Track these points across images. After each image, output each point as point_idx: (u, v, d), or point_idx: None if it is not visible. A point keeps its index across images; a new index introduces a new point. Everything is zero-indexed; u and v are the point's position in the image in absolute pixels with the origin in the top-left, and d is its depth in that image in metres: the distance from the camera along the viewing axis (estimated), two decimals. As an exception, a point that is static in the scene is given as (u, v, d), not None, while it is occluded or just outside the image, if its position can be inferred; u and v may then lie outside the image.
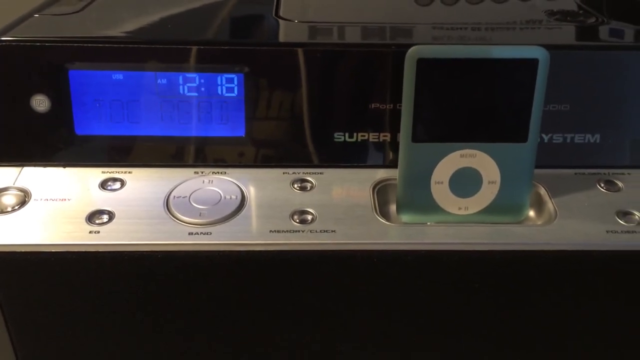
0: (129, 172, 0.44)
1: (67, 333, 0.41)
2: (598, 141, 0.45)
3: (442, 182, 0.42)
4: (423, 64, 0.38)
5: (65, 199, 0.42)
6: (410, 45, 0.39)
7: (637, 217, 0.41)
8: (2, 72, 0.42)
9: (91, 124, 0.43)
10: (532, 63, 0.38)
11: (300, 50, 0.43)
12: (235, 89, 0.43)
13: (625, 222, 0.41)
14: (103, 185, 0.43)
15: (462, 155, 0.41)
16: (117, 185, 0.43)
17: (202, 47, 0.43)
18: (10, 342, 0.42)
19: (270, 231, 0.40)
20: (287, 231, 0.40)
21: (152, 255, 0.39)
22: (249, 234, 0.40)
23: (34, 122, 0.43)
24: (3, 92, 0.42)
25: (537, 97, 0.39)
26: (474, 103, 0.40)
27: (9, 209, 0.41)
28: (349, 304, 0.41)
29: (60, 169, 0.44)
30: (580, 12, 0.52)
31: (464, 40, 0.47)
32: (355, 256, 0.39)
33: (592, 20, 0.50)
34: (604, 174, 0.45)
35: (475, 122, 0.40)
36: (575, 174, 0.45)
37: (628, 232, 0.40)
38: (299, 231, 0.40)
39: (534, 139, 0.40)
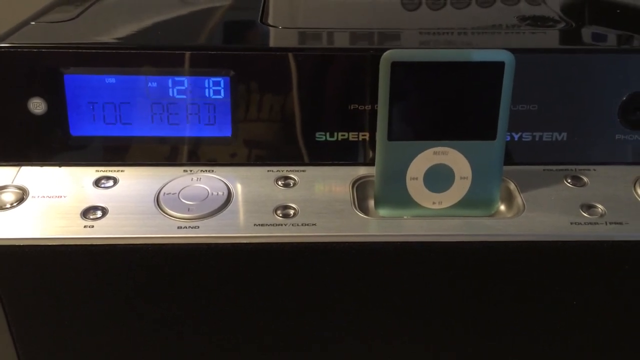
0: (122, 171, 0.46)
1: (63, 322, 0.44)
2: (565, 139, 0.47)
3: (416, 178, 0.44)
4: (397, 67, 0.41)
5: (61, 196, 0.44)
6: (386, 50, 0.41)
7: (600, 209, 0.44)
8: (0, 77, 0.44)
9: (85, 126, 0.46)
10: (499, 65, 0.41)
11: (283, 55, 0.45)
12: (222, 91, 0.46)
13: (588, 214, 0.43)
14: (97, 183, 0.45)
15: (435, 153, 0.43)
16: (110, 183, 0.45)
17: (190, 52, 0.45)
18: (9, 333, 0.44)
19: (255, 225, 0.42)
20: (271, 225, 0.42)
21: (143, 247, 0.41)
22: (234, 227, 0.42)
23: (31, 124, 0.45)
24: (1, 96, 0.45)
25: (504, 97, 0.42)
26: (445, 103, 0.42)
27: (8, 205, 0.43)
28: (330, 293, 0.44)
29: (56, 168, 0.46)
30: (551, 17, 0.54)
31: (431, 44, 0.49)
32: (334, 248, 0.42)
33: (562, 25, 0.52)
34: (571, 170, 0.47)
35: (447, 121, 0.43)
36: (544, 170, 0.47)
37: (590, 223, 0.43)
38: (281, 225, 0.42)
39: (502, 136, 0.43)
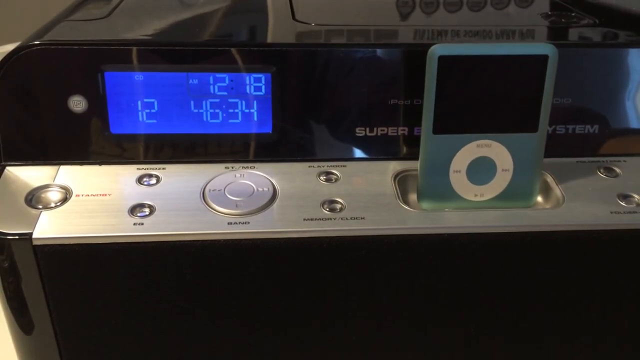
0: (163, 169, 0.46)
1: (112, 320, 0.43)
2: (597, 131, 0.49)
3: (460, 171, 0.45)
4: (443, 61, 0.42)
5: (105, 194, 0.43)
6: (428, 45, 0.42)
7: (636, 199, 0.45)
8: (40, 75, 0.44)
9: (126, 123, 0.45)
10: (543, 59, 0.42)
11: (323, 51, 0.45)
12: (263, 87, 0.46)
13: (626, 204, 0.45)
14: (139, 180, 0.45)
15: (478, 146, 0.44)
16: (153, 180, 0.45)
17: (231, 48, 0.45)
18: (54, 334, 0.43)
19: (304, 219, 0.42)
20: (320, 219, 0.42)
21: (195, 244, 0.41)
22: (285, 222, 0.42)
23: (71, 122, 0.45)
24: (42, 94, 0.44)
25: (547, 89, 0.43)
26: (489, 96, 0.43)
27: (52, 204, 0.42)
28: (379, 285, 0.44)
29: (97, 166, 0.46)
30: (573, 14, 0.56)
31: (470, 40, 0.50)
32: (386, 240, 0.42)
33: (586, 21, 0.54)
34: (603, 161, 0.48)
35: (491, 114, 0.43)
36: (577, 162, 0.48)
37: (630, 212, 0.44)
38: (330, 219, 0.42)
39: (543, 128, 0.44)
